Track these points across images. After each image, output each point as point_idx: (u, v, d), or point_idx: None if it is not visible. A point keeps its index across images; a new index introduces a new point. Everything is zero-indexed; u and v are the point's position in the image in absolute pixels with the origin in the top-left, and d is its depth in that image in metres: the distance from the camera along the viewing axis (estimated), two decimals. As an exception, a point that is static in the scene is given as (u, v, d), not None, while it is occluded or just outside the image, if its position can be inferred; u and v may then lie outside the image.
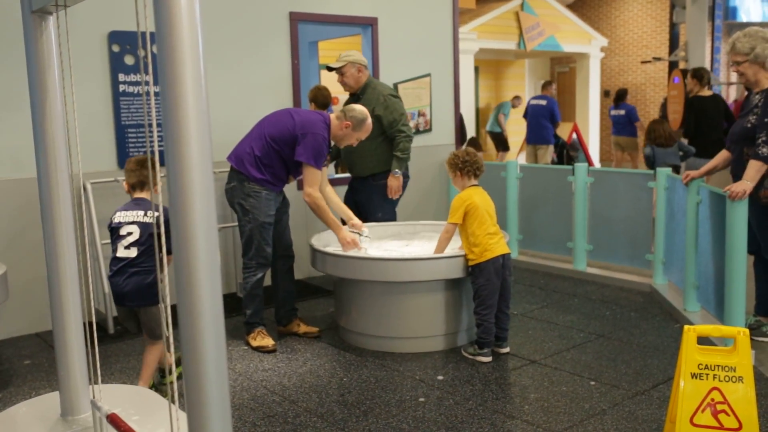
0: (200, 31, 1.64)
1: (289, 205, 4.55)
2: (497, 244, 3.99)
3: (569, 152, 11.10)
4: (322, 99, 6.39)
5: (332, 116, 4.37)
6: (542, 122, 10.49)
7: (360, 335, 4.28)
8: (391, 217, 5.22)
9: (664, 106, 10.39)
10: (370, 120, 4.41)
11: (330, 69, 5.10)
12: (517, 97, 13.62)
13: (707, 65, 9.97)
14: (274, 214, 4.32)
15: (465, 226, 4.02)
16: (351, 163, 5.23)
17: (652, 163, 7.33)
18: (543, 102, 10.58)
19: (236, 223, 5.44)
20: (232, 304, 5.21)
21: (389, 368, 3.92)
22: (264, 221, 4.25)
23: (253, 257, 4.28)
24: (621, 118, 11.55)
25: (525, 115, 10.99)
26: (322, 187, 4.45)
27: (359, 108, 4.41)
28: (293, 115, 4.30)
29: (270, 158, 4.22)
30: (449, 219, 4.07)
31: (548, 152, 10.52)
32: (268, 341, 4.28)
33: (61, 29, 2.44)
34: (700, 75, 7.33)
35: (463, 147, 4.41)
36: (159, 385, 3.66)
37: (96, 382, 2.53)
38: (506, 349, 4.10)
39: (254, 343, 4.29)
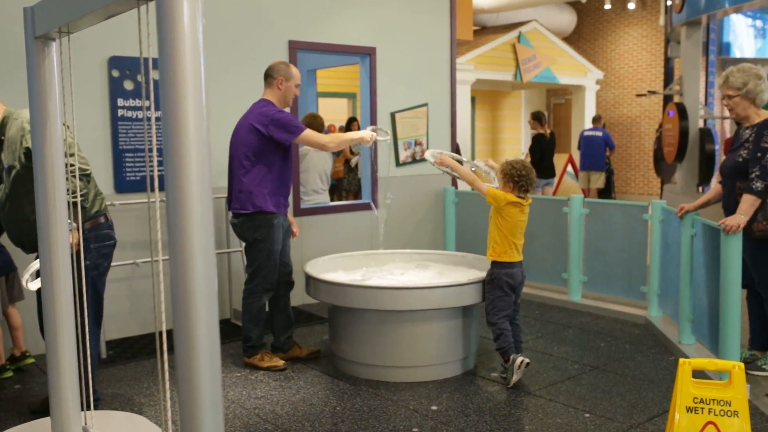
0: (203, 58, 1.65)
1: (290, 228, 4.52)
2: (516, 252, 4.12)
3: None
4: (316, 126, 6.42)
5: (264, 96, 4.29)
6: (599, 151, 11.94)
7: (354, 364, 4.26)
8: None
9: (659, 139, 10.49)
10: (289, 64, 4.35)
11: None
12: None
13: (701, 99, 10.16)
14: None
15: (498, 220, 4.10)
16: (21, 243, 3.55)
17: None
18: (599, 134, 12.08)
19: (230, 249, 5.47)
20: (225, 330, 5.18)
21: (383, 397, 3.90)
22: (274, 248, 4.25)
23: (260, 283, 4.27)
24: None
25: (579, 146, 12.31)
26: None
27: (271, 65, 4.31)
28: (239, 126, 4.26)
29: (262, 171, 4.17)
30: (493, 189, 4.09)
31: (601, 178, 11.99)
32: (278, 361, 4.30)
33: (64, 55, 2.46)
34: (538, 118, 10.13)
35: (523, 156, 4.49)
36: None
37: (88, 408, 2.51)
38: (526, 360, 4.04)
39: (264, 365, 4.29)
